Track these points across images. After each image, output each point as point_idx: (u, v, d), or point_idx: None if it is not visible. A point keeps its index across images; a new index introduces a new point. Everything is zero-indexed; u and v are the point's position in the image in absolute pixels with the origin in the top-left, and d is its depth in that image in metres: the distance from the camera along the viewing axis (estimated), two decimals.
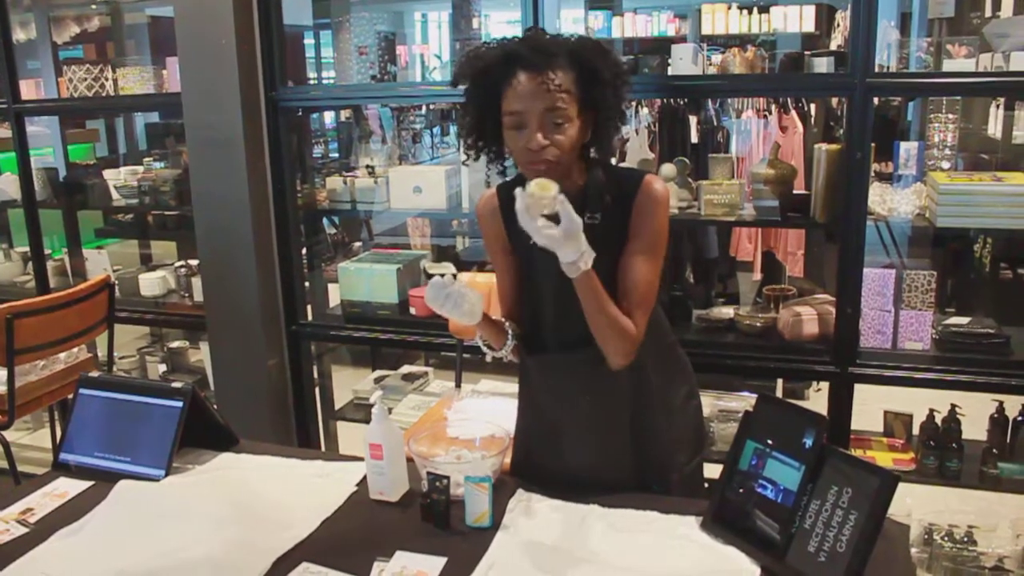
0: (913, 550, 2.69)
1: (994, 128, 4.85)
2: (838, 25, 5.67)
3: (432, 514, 1.68)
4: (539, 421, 1.96)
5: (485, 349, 1.90)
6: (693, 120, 4.67)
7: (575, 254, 1.59)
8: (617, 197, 1.77)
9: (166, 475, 1.90)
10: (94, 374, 2.12)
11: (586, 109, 1.71)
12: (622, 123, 1.81)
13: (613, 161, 2.21)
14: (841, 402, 2.70)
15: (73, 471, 1.97)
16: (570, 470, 1.88)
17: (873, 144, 2.58)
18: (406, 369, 3.83)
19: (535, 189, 1.57)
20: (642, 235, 1.76)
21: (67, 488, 1.90)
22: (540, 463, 1.94)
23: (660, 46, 6.35)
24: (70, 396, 2.26)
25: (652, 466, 1.88)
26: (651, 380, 1.86)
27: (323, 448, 3.57)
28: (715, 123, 4.75)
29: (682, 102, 4.60)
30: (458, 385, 3.11)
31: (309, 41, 8.40)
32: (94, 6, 4.86)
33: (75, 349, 3.41)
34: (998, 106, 4.80)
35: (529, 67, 1.65)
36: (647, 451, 1.88)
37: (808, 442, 1.51)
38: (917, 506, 2.78)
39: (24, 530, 1.73)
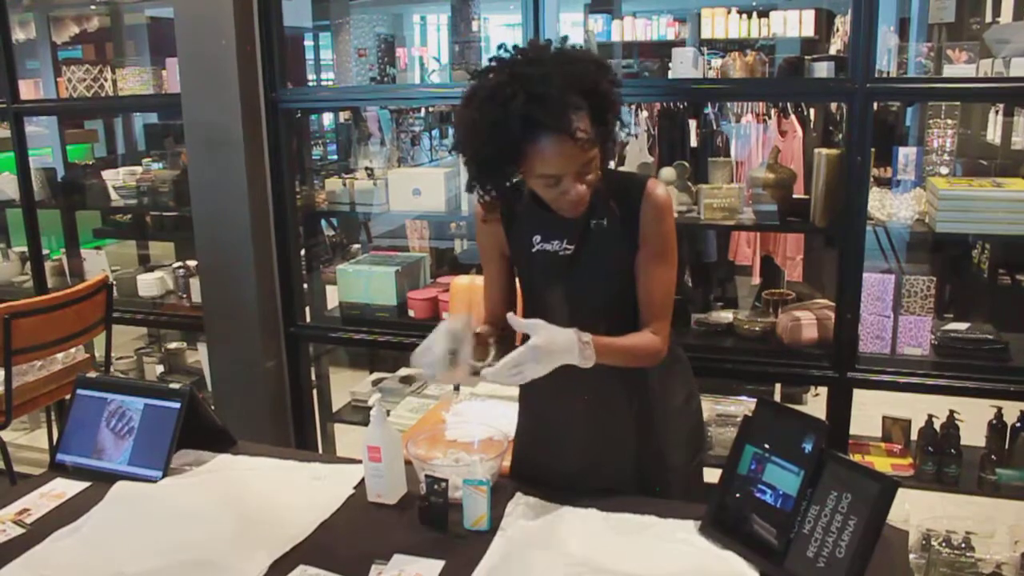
0: (911, 556, 2.69)
1: (993, 134, 4.86)
2: (837, 30, 5.67)
3: (430, 517, 1.68)
4: (541, 423, 1.96)
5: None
6: (692, 124, 4.68)
7: (574, 356, 1.60)
8: (620, 202, 1.77)
9: (163, 476, 1.89)
10: (91, 375, 2.12)
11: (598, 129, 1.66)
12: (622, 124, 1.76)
13: (611, 164, 2.20)
14: (840, 407, 2.70)
15: (70, 472, 1.96)
16: (571, 471, 1.88)
17: (872, 149, 2.58)
18: (404, 371, 3.82)
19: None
20: (653, 242, 1.77)
21: (64, 489, 1.89)
22: (541, 464, 1.94)
23: (660, 50, 6.35)
24: (67, 397, 2.25)
25: (653, 467, 1.89)
26: (652, 381, 1.86)
27: (321, 450, 3.57)
28: (714, 127, 4.75)
29: (681, 106, 4.60)
30: (456, 388, 3.11)
31: (308, 43, 8.38)
32: (93, 7, 4.85)
33: (72, 349, 3.41)
34: (997, 112, 4.81)
35: (553, 131, 1.57)
36: (648, 452, 1.88)
37: (807, 447, 1.51)
38: (915, 512, 2.78)
39: (20, 531, 1.72)
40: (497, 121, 1.57)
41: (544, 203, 1.77)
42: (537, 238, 1.82)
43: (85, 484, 1.91)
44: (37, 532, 1.71)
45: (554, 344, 1.58)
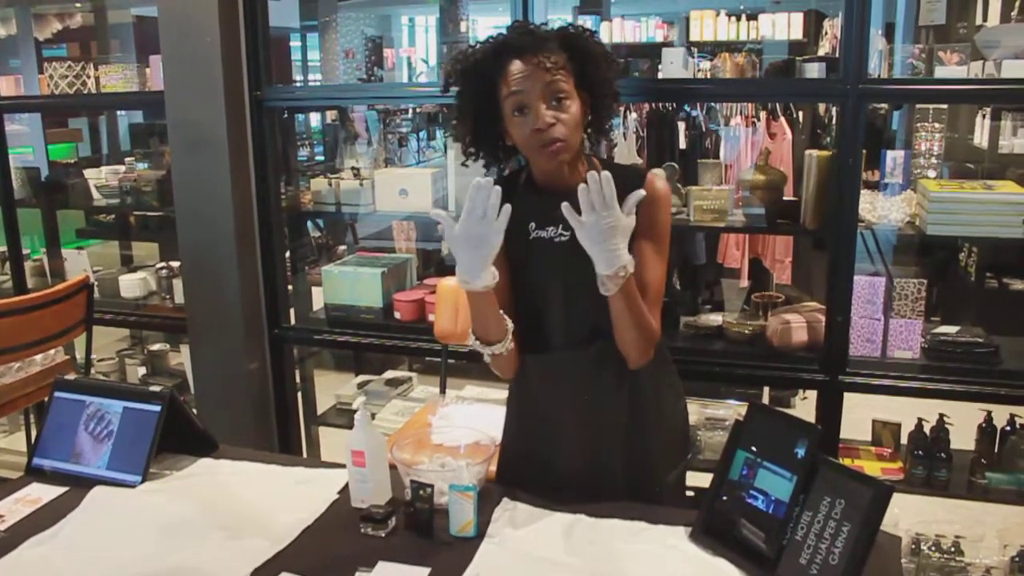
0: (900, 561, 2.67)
1: (980, 138, 4.87)
2: (826, 33, 5.68)
3: (415, 523, 1.65)
4: (533, 422, 1.93)
5: (479, 347, 1.77)
6: (681, 126, 4.67)
7: (616, 263, 1.57)
8: (620, 190, 1.75)
9: (143, 481, 1.85)
10: (70, 377, 2.08)
11: (581, 89, 1.73)
12: (617, 103, 1.83)
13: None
14: (830, 411, 2.68)
15: (47, 476, 1.92)
16: (562, 472, 1.86)
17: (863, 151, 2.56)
18: (390, 374, 3.80)
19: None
20: (650, 232, 1.77)
21: (40, 494, 1.85)
22: (531, 464, 1.91)
23: (649, 52, 6.34)
24: (47, 399, 2.21)
25: (643, 468, 1.87)
26: (644, 380, 1.84)
27: (305, 454, 3.53)
28: (703, 129, 4.74)
29: (670, 107, 4.59)
30: (443, 391, 3.08)
31: (295, 44, 8.35)
32: (78, 4, 4.81)
33: (52, 351, 3.36)
34: (984, 116, 4.82)
35: (521, 52, 1.67)
36: (637, 453, 1.86)
37: (800, 452, 1.48)
38: (904, 516, 2.76)
39: None
40: (476, 51, 1.73)
41: (539, 188, 1.79)
42: (532, 225, 1.81)
43: (62, 489, 1.86)
44: (12, 539, 1.67)
45: (626, 240, 1.58)
